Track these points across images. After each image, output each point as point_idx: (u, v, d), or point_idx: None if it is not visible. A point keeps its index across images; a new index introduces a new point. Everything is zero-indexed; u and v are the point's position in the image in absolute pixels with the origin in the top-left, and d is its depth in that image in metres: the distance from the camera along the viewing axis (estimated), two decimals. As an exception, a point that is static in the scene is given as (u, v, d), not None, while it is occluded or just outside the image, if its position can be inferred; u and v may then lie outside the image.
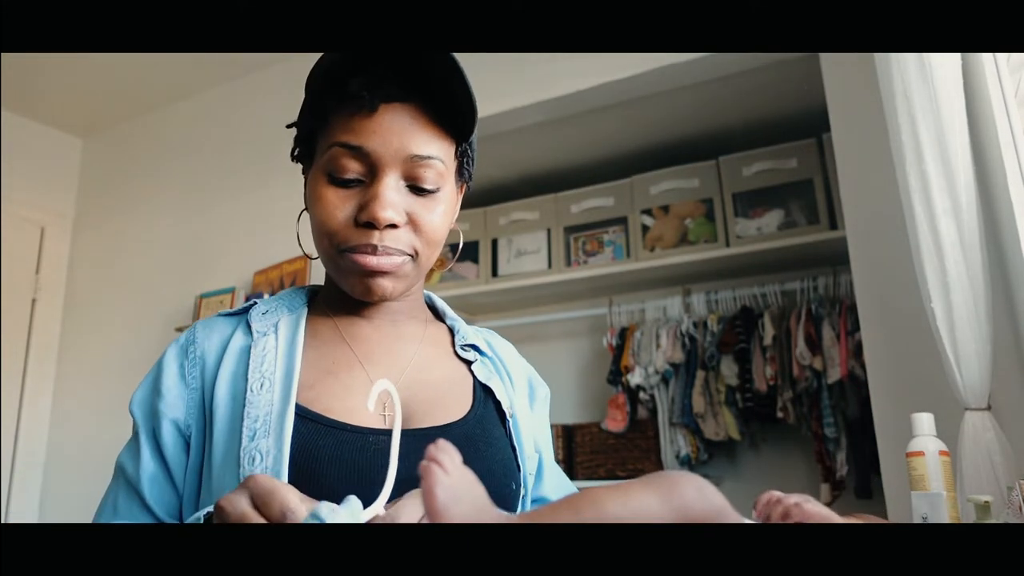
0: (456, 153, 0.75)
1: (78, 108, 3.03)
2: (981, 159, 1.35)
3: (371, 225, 0.70)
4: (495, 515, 0.41)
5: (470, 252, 2.99)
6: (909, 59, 1.31)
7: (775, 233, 2.46)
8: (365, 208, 0.70)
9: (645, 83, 2.16)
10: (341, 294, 0.78)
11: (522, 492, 0.77)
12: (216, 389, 0.70)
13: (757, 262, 2.57)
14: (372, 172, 0.70)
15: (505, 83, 2.30)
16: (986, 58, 1.36)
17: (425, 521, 0.48)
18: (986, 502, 0.97)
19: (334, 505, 0.46)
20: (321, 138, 0.73)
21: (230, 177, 2.91)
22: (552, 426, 3.11)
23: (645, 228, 2.69)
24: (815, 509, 0.56)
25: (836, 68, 1.78)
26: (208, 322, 0.78)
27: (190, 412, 0.71)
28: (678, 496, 0.40)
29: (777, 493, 0.59)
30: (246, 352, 0.73)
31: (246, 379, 0.70)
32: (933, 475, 1.09)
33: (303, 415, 0.67)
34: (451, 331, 0.85)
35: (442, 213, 0.74)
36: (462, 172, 0.79)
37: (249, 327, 0.76)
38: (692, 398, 2.53)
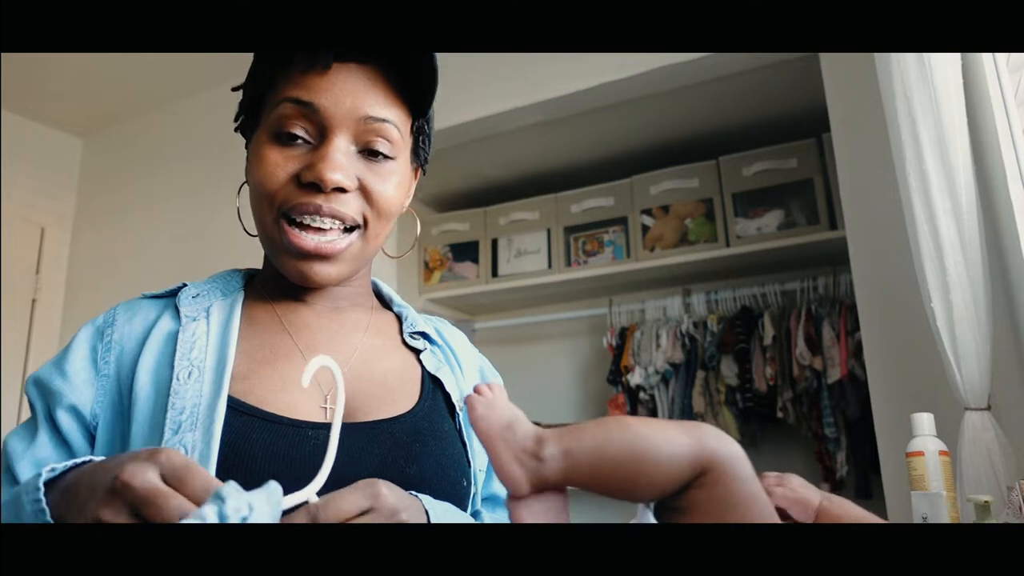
0: (412, 128, 0.71)
1: (78, 108, 3.03)
2: (981, 159, 1.35)
3: (316, 187, 0.64)
4: (527, 424, 0.44)
5: (470, 252, 2.99)
6: (909, 59, 1.31)
7: (775, 233, 2.46)
8: (311, 168, 0.64)
9: (645, 83, 2.16)
10: (281, 279, 0.72)
11: (473, 489, 0.73)
12: (136, 377, 0.64)
13: (757, 262, 2.58)
14: (321, 132, 0.65)
15: (505, 83, 2.30)
16: (986, 58, 1.36)
17: (365, 510, 0.50)
18: (986, 502, 0.97)
19: (237, 486, 0.42)
20: (269, 99, 0.68)
21: (230, 177, 2.91)
22: (552, 426, 3.14)
23: (645, 228, 2.69)
24: (797, 487, 0.59)
25: (836, 68, 1.78)
26: (131, 304, 0.71)
27: (99, 401, 0.64)
28: (699, 430, 0.43)
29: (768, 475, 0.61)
30: (172, 338, 0.66)
31: (172, 367, 0.64)
32: (933, 475, 1.09)
33: (235, 407, 0.62)
34: (399, 319, 0.79)
35: (396, 184, 0.69)
36: (418, 153, 0.74)
37: (177, 311, 0.69)
38: (692, 398, 2.53)
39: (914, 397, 1.46)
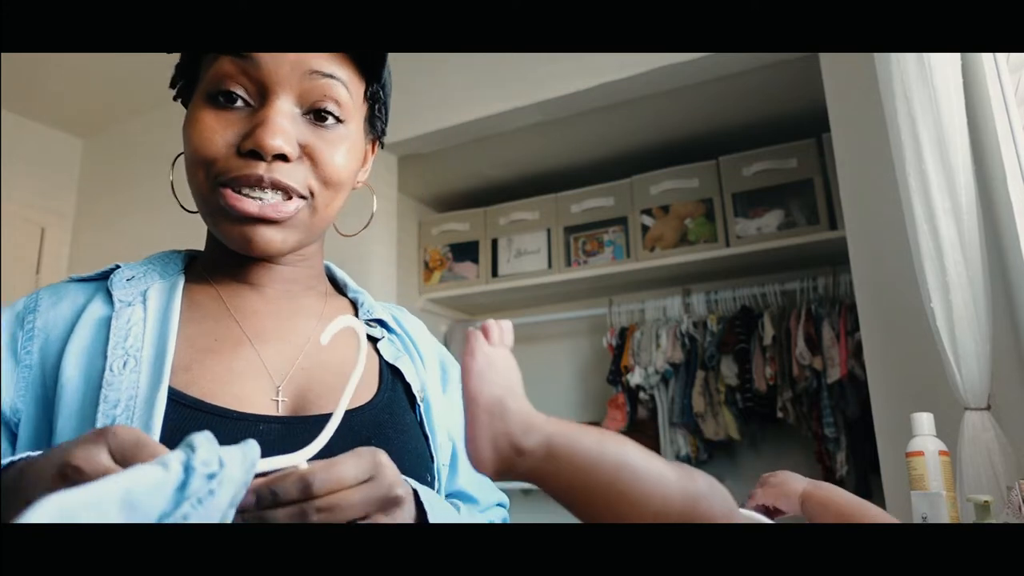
0: (366, 94, 0.66)
1: (78, 108, 3.03)
2: (981, 159, 1.35)
3: (256, 155, 0.58)
4: (522, 399, 0.40)
5: (470, 252, 2.99)
6: (909, 59, 1.31)
7: (775, 233, 2.46)
8: (251, 134, 0.58)
9: (645, 83, 2.16)
10: (225, 258, 0.67)
11: (437, 485, 0.68)
12: (62, 368, 0.57)
13: (757, 262, 2.58)
14: (261, 93, 0.59)
15: (505, 83, 2.30)
16: (986, 58, 1.36)
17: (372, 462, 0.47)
18: (986, 502, 0.97)
19: (211, 436, 0.39)
20: (207, 56, 0.62)
21: (230, 177, 2.91)
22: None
23: (645, 228, 2.69)
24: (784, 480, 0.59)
25: (836, 68, 1.78)
26: (56, 288, 0.64)
27: (20, 394, 0.57)
28: (692, 481, 0.41)
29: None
30: (105, 324, 0.60)
31: (104, 356, 0.58)
32: (933, 475, 1.09)
33: (177, 400, 0.56)
34: (354, 305, 0.74)
35: (346, 151, 0.63)
36: (374, 123, 0.69)
37: (110, 295, 0.63)
38: (692, 398, 2.53)
39: (914, 397, 1.46)
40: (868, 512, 0.54)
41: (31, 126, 3.09)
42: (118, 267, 0.66)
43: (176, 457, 0.38)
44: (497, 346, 0.42)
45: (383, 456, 0.49)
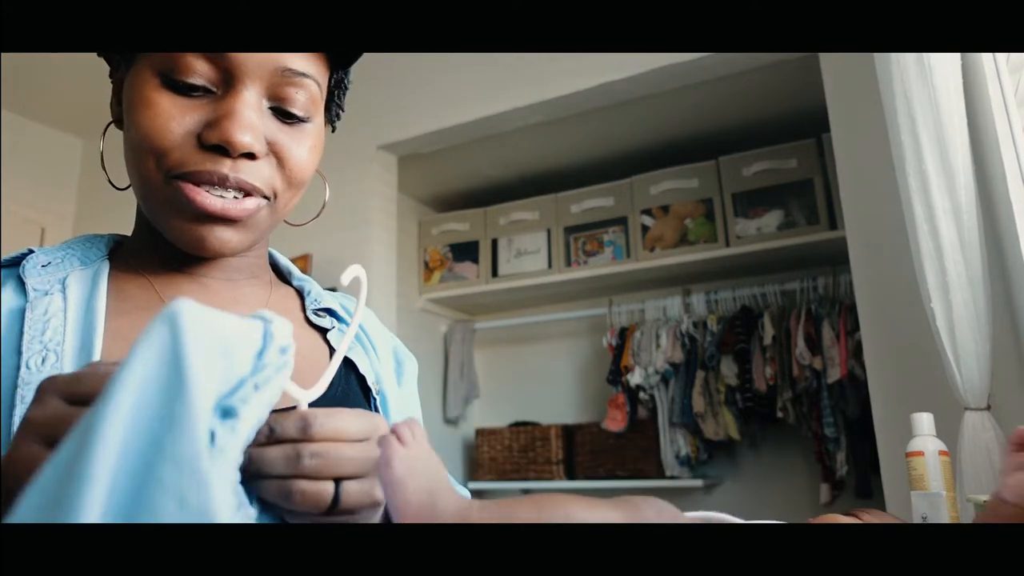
0: (330, 82, 0.62)
1: (78, 108, 3.03)
2: (981, 159, 1.35)
3: (222, 150, 0.53)
4: (451, 497, 0.40)
5: (470, 252, 2.99)
6: (909, 59, 1.31)
7: (775, 233, 2.46)
8: (215, 126, 0.53)
9: (645, 83, 2.16)
10: (157, 243, 0.60)
11: None
12: None
13: (757, 262, 2.58)
14: (227, 82, 0.54)
15: (505, 83, 2.31)
16: (986, 58, 1.36)
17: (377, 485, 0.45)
18: (985, 502, 0.97)
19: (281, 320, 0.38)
20: None
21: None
22: (552, 426, 3.12)
23: (645, 228, 2.69)
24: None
25: (836, 68, 1.78)
26: None
27: None
28: (639, 514, 0.41)
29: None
30: (17, 317, 0.53)
31: (18, 352, 0.51)
32: (933, 475, 1.09)
33: None
34: (300, 294, 0.70)
35: (311, 149, 0.59)
36: (330, 108, 0.65)
37: (22, 284, 0.56)
38: (692, 398, 2.53)
39: (914, 397, 1.46)
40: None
41: (31, 126, 3.10)
42: (31, 251, 0.59)
43: (255, 322, 0.38)
44: (412, 447, 0.41)
45: (383, 424, 0.47)
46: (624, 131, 2.65)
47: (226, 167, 0.54)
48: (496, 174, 2.99)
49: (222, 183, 0.54)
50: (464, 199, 3.19)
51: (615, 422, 2.68)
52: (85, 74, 2.74)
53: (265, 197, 0.57)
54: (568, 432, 2.82)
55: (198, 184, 0.54)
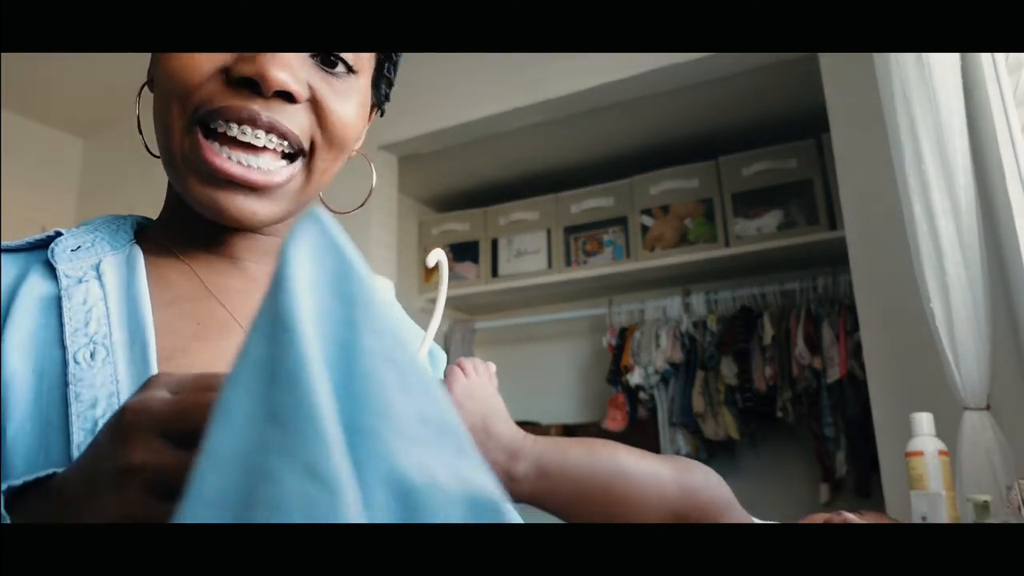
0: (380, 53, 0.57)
1: (78, 108, 3.03)
2: (980, 159, 1.35)
3: (253, 86, 0.47)
4: (506, 425, 0.40)
5: (470, 252, 2.99)
6: (908, 59, 1.32)
7: (775, 233, 2.46)
8: (247, 58, 0.47)
9: (645, 83, 2.16)
10: (191, 223, 0.54)
11: None
12: (3, 362, 0.45)
13: (757, 262, 2.58)
14: None
15: (505, 83, 2.31)
16: (985, 58, 1.36)
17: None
18: (985, 502, 0.97)
19: None
20: None
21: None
22: (552, 426, 3.11)
23: (645, 228, 2.69)
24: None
25: (836, 68, 1.78)
26: None
27: None
28: (688, 474, 0.42)
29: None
30: (52, 305, 0.48)
31: (62, 345, 0.46)
32: (932, 475, 1.09)
33: None
34: None
35: (356, 105, 0.53)
36: (379, 84, 0.59)
37: (50, 269, 0.51)
38: (692, 398, 2.53)
39: (913, 397, 1.46)
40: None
41: (31, 126, 3.10)
42: (59, 234, 0.54)
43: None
44: (473, 377, 0.42)
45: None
46: (624, 131, 2.65)
47: (257, 104, 0.47)
48: (496, 174, 2.99)
49: (251, 121, 0.47)
50: (464, 199, 3.19)
51: (615, 422, 2.68)
52: (85, 74, 2.74)
53: (301, 151, 0.51)
54: (568, 432, 2.82)
55: (224, 122, 0.47)
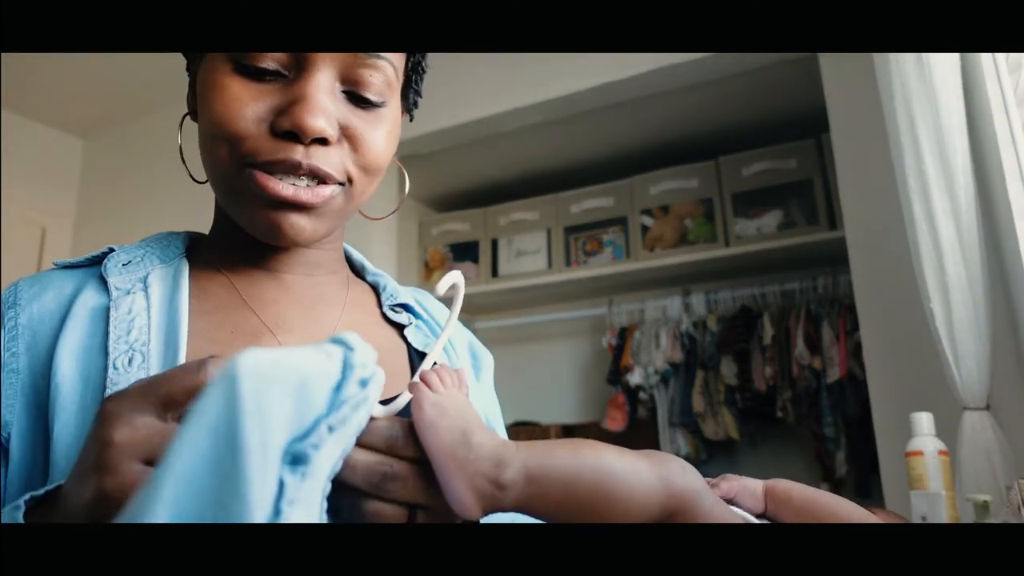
0: (408, 65, 0.60)
1: (78, 108, 3.03)
2: (980, 159, 1.35)
3: (294, 136, 0.52)
4: (487, 436, 0.40)
5: (470, 252, 2.99)
6: (908, 59, 1.32)
7: (775, 233, 2.46)
8: (287, 112, 0.51)
9: (645, 83, 2.16)
10: (236, 240, 0.59)
11: None
12: (55, 368, 0.49)
13: (757, 262, 2.58)
14: (299, 65, 0.53)
15: (505, 83, 2.31)
16: (985, 58, 1.36)
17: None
18: (985, 502, 0.97)
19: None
20: None
21: (230, 177, 2.91)
22: (552, 426, 3.11)
23: (645, 228, 2.69)
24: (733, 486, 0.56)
25: (836, 68, 1.78)
26: (38, 278, 0.56)
27: (8, 404, 0.49)
28: (666, 467, 0.42)
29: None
30: (101, 316, 0.53)
31: (105, 352, 0.50)
32: (932, 475, 1.09)
33: None
34: (375, 289, 0.68)
35: (387, 134, 0.57)
36: (407, 94, 0.63)
37: (103, 283, 0.55)
38: (692, 398, 2.53)
39: (913, 397, 1.46)
40: (826, 501, 0.54)
41: (31, 126, 3.10)
42: (112, 250, 0.58)
43: (335, 351, 0.35)
44: (441, 391, 0.41)
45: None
46: (624, 131, 2.65)
47: (299, 154, 0.52)
48: (496, 174, 2.99)
49: (295, 170, 0.52)
50: (464, 199, 3.19)
51: (615, 422, 2.68)
52: (85, 74, 2.74)
53: (340, 183, 0.55)
54: (568, 432, 2.82)
55: (272, 173, 0.53)
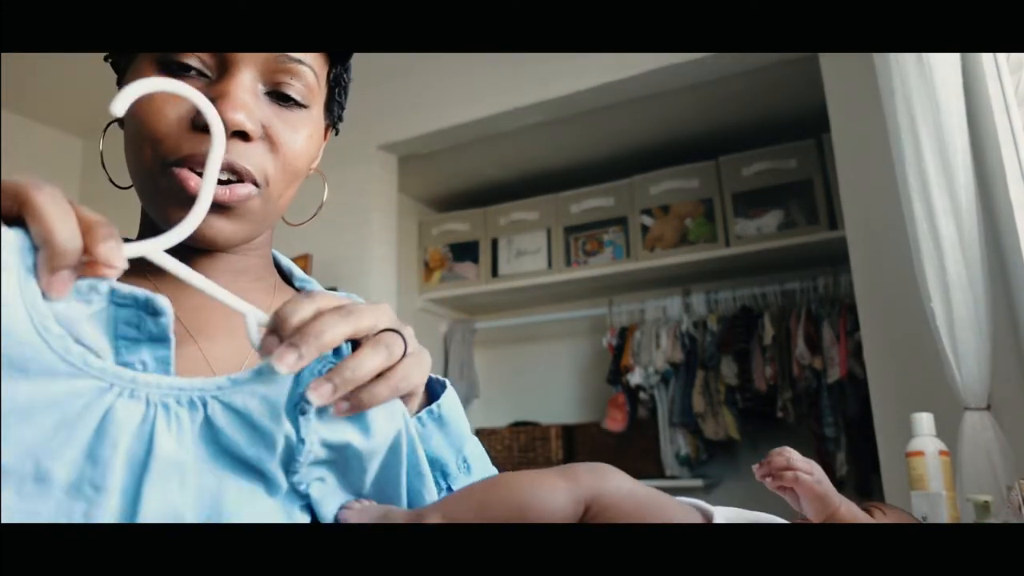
0: (329, 77, 0.62)
1: (78, 108, 3.03)
2: (981, 159, 1.35)
3: None
4: (401, 510, 0.44)
5: (470, 252, 2.99)
6: (908, 59, 1.31)
7: (775, 233, 2.46)
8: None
9: (645, 83, 2.16)
10: None
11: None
12: None
13: (757, 262, 2.58)
14: (222, 64, 0.54)
15: (505, 83, 2.31)
16: (986, 58, 1.36)
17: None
18: (985, 502, 0.97)
19: None
20: None
21: (230, 177, 2.91)
22: (552, 426, 3.11)
23: (645, 228, 2.69)
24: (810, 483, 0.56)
25: (836, 68, 1.78)
26: None
27: None
28: (574, 472, 0.44)
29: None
30: None
31: None
32: (933, 475, 1.09)
33: None
34: None
35: (308, 137, 0.58)
36: (331, 107, 0.64)
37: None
38: (692, 398, 2.53)
39: (914, 397, 1.46)
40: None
41: (31, 126, 3.10)
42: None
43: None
44: (360, 510, 0.45)
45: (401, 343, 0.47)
46: (624, 131, 2.65)
47: None
48: (496, 174, 2.99)
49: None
50: (464, 199, 3.19)
51: (615, 422, 2.68)
52: (85, 74, 2.74)
53: (256, 184, 0.56)
54: (568, 432, 2.82)
55: (191, 169, 0.53)
